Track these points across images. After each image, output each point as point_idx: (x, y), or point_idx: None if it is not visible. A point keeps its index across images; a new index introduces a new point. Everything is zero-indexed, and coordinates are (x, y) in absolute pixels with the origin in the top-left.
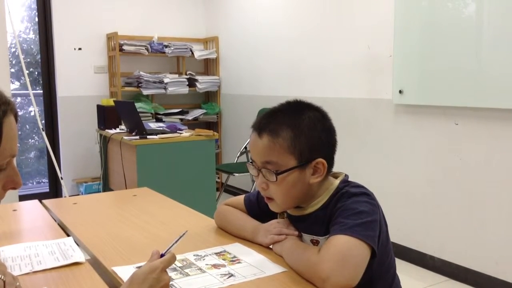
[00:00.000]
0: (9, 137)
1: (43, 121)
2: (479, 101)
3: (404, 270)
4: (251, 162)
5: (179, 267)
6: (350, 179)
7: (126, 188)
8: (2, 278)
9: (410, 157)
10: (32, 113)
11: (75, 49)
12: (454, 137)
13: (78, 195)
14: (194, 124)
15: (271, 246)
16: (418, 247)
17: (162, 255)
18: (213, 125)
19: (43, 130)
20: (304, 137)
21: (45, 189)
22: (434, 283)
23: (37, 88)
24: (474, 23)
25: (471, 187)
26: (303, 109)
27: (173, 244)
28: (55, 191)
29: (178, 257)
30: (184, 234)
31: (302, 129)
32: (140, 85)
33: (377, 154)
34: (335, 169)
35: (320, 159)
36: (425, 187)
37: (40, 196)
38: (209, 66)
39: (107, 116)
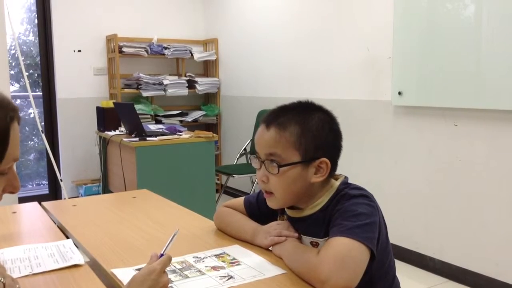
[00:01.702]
0: (14, 143)
1: (43, 123)
2: (478, 102)
3: (403, 271)
4: (254, 155)
5: (179, 269)
6: (349, 180)
7: (126, 190)
8: (2, 280)
9: (410, 159)
10: (32, 115)
11: (74, 51)
12: (453, 138)
13: (77, 197)
14: (193, 126)
15: (270, 248)
16: (418, 249)
17: (161, 255)
18: (213, 127)
19: (42, 132)
20: (311, 135)
21: (45, 191)
22: (433, 284)
23: (37, 90)
24: (473, 25)
25: (471, 188)
26: (313, 110)
27: (168, 244)
28: (54, 193)
29: (178, 259)
30: (176, 233)
31: (310, 127)
32: (139, 86)
33: (377, 155)
34: None
35: (324, 159)
36: (424, 188)
37: (39, 198)
38: (209, 67)
39: (106, 118)
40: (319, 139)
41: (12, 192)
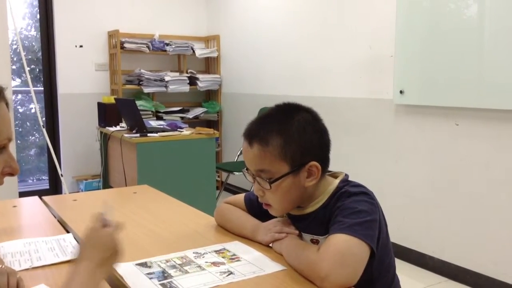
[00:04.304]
0: (4, 120)
1: (44, 118)
2: (479, 101)
3: (403, 270)
4: (246, 169)
5: (179, 264)
6: (350, 178)
7: (126, 186)
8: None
9: (411, 157)
10: (33, 110)
11: (76, 46)
12: (454, 138)
13: (78, 192)
14: (194, 123)
15: (271, 245)
16: (418, 248)
17: None
18: (214, 124)
19: (43, 127)
20: (294, 142)
21: (45, 186)
22: (433, 283)
23: (38, 85)
24: (476, 24)
25: (471, 188)
26: (292, 113)
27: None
28: (55, 188)
29: (178, 254)
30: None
31: (291, 134)
32: (141, 83)
33: (378, 154)
34: (335, 168)
35: (313, 162)
36: (425, 187)
37: (40, 193)
38: (210, 64)
39: (107, 114)
40: (303, 144)
41: (11, 174)
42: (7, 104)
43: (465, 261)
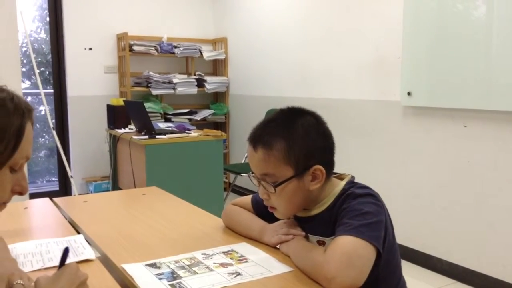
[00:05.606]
0: (27, 139)
1: (54, 120)
2: (487, 103)
3: (410, 272)
4: (251, 173)
5: (187, 265)
6: (357, 180)
7: (135, 187)
8: (20, 282)
9: (418, 159)
10: (43, 112)
11: (85, 49)
12: (462, 140)
13: (87, 193)
14: (202, 124)
15: (278, 246)
16: (425, 250)
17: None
18: (221, 126)
19: (53, 129)
20: (298, 146)
21: (55, 187)
22: (441, 285)
23: (48, 88)
24: (484, 25)
25: (479, 190)
26: (295, 117)
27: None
28: (64, 189)
29: (186, 255)
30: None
31: (295, 138)
32: (149, 85)
33: (385, 156)
34: (342, 170)
35: (318, 166)
36: (432, 189)
37: (50, 195)
38: (218, 66)
39: (116, 116)
40: (307, 147)
41: (20, 193)
42: (32, 124)
43: (473, 263)
